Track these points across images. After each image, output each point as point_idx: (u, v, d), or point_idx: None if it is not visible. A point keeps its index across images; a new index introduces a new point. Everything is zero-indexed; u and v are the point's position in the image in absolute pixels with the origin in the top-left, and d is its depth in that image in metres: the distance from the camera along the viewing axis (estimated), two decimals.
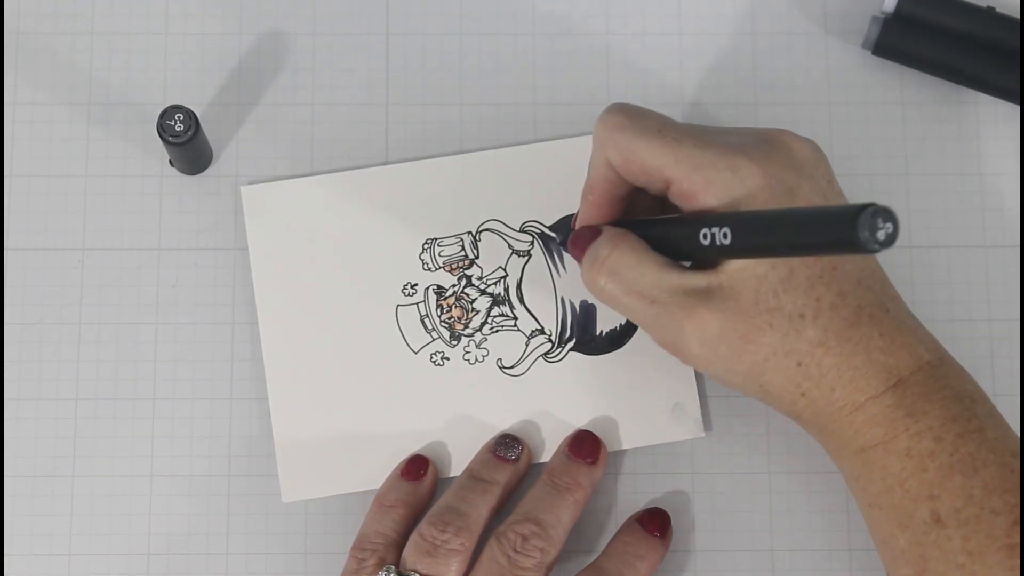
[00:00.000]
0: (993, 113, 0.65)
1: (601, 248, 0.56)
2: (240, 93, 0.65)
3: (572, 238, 0.58)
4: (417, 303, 0.63)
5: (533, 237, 0.63)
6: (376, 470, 0.61)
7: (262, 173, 0.64)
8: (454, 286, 0.63)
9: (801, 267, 0.53)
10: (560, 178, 0.63)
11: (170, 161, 0.63)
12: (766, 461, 0.62)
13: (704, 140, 0.53)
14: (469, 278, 0.63)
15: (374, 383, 0.62)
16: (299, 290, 0.63)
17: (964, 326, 0.63)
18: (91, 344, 0.63)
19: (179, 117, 0.59)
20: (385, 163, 0.64)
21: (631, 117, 0.55)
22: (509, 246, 0.63)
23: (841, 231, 0.44)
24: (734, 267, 0.52)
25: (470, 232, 0.63)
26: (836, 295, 0.53)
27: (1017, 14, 0.65)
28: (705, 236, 0.51)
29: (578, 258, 0.57)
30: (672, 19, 0.66)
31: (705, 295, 0.53)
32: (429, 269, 0.63)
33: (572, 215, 0.63)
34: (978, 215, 0.64)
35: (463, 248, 0.63)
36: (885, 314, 0.54)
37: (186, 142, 0.59)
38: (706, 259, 0.53)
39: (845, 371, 0.53)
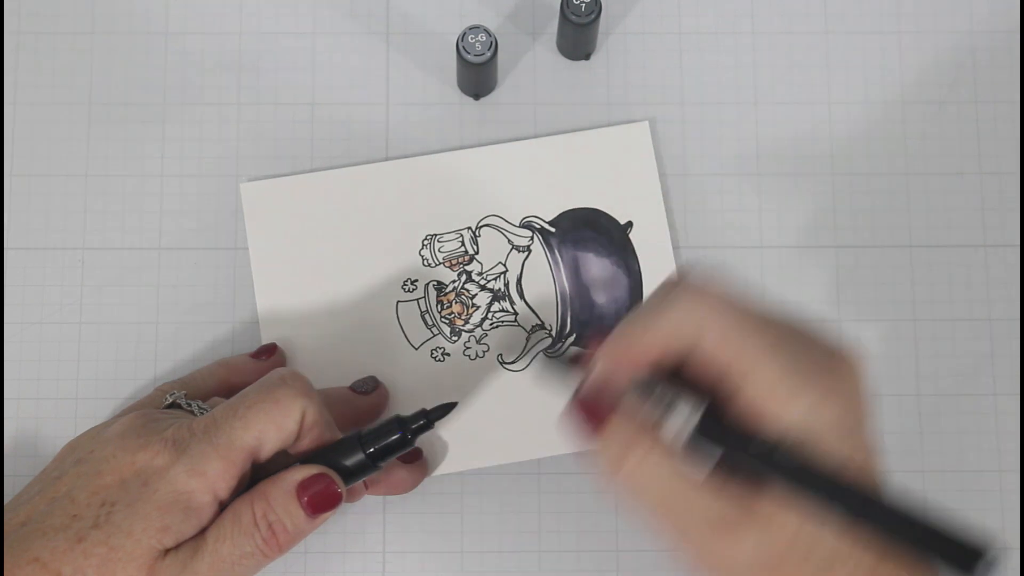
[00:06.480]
0: (993, 113, 0.65)
1: (632, 449, 0.47)
2: (240, 93, 0.65)
3: (583, 403, 0.49)
4: (417, 299, 0.63)
5: (533, 232, 0.63)
6: None
7: (262, 173, 0.64)
8: (454, 282, 0.63)
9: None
10: (560, 174, 0.64)
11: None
12: None
13: (795, 355, 0.46)
14: (469, 274, 0.63)
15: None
16: (299, 286, 0.63)
17: (964, 326, 0.63)
18: (91, 344, 0.63)
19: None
20: (385, 160, 0.64)
21: (734, 299, 0.47)
22: (509, 241, 0.63)
23: (959, 559, 0.42)
24: (779, 505, 0.45)
25: (470, 228, 0.63)
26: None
27: (1017, 14, 0.65)
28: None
29: (586, 432, 0.48)
30: (672, 19, 0.66)
31: (738, 525, 0.46)
32: (429, 265, 0.63)
33: (571, 210, 0.63)
34: (978, 215, 0.64)
35: (463, 244, 0.63)
36: None
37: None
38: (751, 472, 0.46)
39: None
